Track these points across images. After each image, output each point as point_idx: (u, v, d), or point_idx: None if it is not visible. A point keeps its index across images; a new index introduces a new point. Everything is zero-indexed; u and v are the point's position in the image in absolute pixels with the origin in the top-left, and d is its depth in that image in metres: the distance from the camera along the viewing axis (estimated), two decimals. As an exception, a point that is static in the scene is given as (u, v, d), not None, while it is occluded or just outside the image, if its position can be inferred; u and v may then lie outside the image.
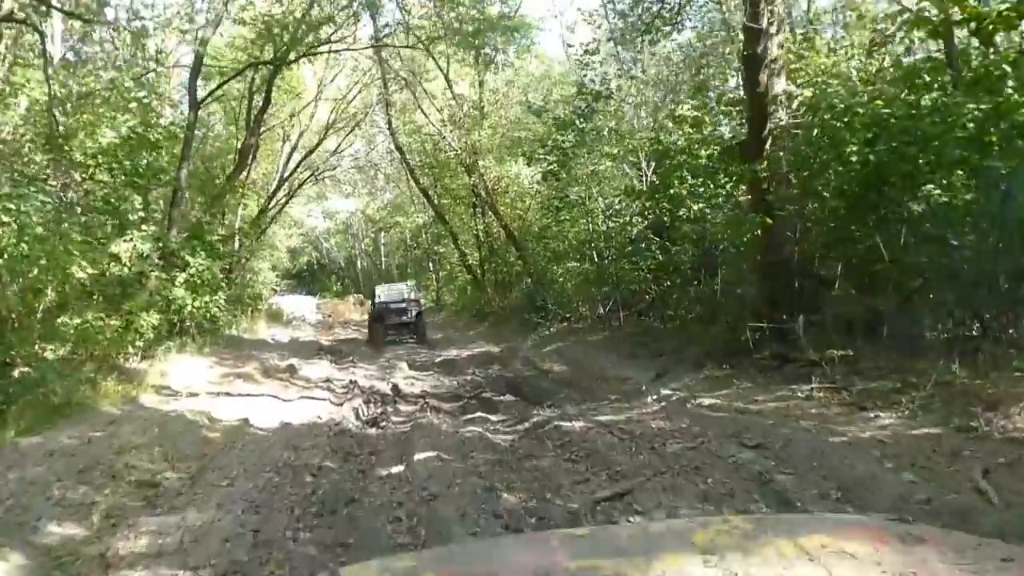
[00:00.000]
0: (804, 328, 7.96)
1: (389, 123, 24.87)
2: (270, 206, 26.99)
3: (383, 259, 54.08)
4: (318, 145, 26.88)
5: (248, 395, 10.50)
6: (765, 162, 8.14)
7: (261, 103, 19.17)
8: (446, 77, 21.87)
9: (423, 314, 20.25)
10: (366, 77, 25.75)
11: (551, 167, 13.81)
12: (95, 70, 15.85)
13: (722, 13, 13.90)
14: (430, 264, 38.12)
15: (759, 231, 7.92)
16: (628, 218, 13.87)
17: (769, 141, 8.30)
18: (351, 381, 11.58)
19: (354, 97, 26.61)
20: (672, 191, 11.06)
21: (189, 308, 13.53)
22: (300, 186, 28.07)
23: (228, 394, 10.53)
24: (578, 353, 13.17)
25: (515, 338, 17.46)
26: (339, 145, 27.80)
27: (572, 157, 13.41)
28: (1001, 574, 1.29)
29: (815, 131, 7.77)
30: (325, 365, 13.62)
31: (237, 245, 22.68)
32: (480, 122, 20.99)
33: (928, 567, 1.31)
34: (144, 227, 12.74)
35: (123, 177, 12.50)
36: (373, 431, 7.92)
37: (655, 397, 7.92)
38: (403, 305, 19.62)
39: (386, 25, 17.97)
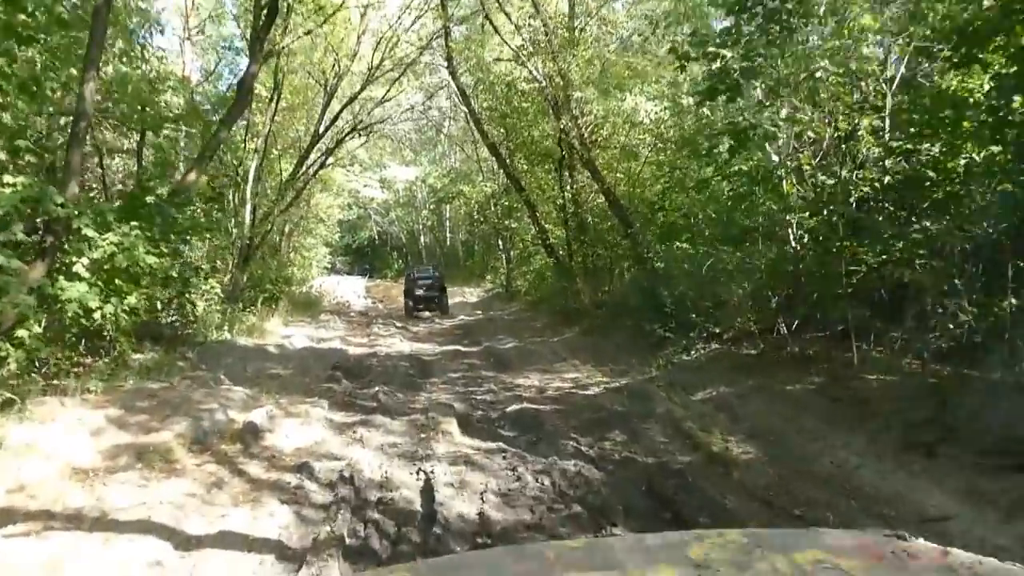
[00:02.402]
0: None
1: (449, 59, 19.07)
2: (304, 169, 21.65)
3: (447, 235, 48.76)
4: (361, 90, 21.32)
5: (112, 519, 4.99)
6: None
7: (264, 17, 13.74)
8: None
9: (445, 289, 23.52)
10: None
11: (719, 80, 7.62)
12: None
13: None
14: (499, 242, 32.33)
15: None
16: (850, 173, 7.68)
17: None
18: (344, 474, 5.89)
19: (407, 28, 20.90)
20: None
21: (102, 313, 8.12)
22: (339, 142, 22.62)
23: (76, 517, 5.04)
24: (769, 414, 7.18)
25: (628, 360, 11.51)
26: (387, 91, 22.13)
27: (767, 57, 7.27)
28: None
29: None
30: (321, 417, 7.95)
31: (249, 215, 17.38)
32: (574, 42, 14.96)
33: None
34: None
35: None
36: None
37: None
38: (429, 282, 22.83)
39: None
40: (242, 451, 6.66)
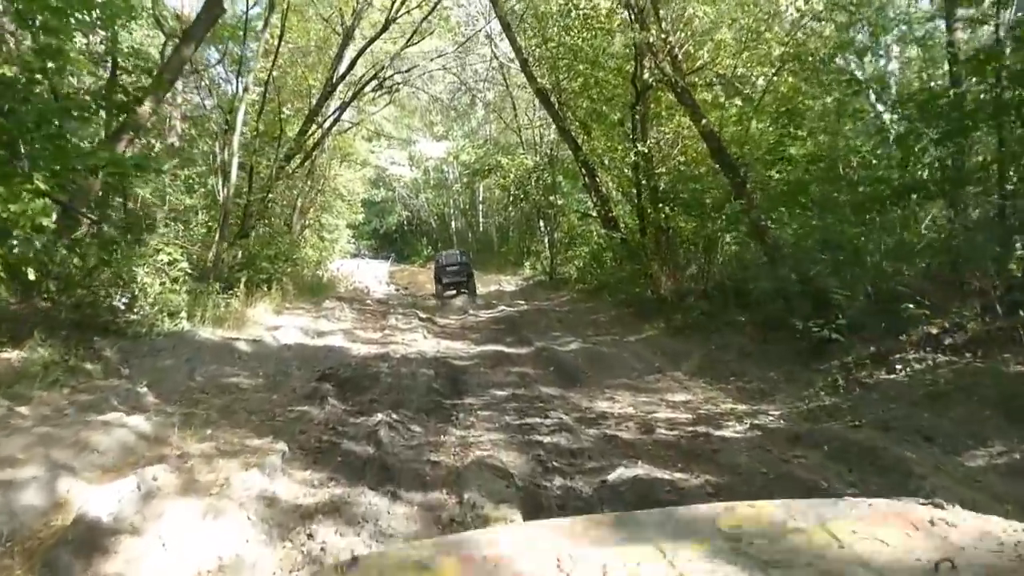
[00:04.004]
0: None
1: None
2: (316, 127, 17.97)
3: (480, 219, 44.93)
4: (384, 29, 17.51)
5: None
6: None
7: None
8: None
9: (473, 274, 22.87)
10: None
11: None
12: None
13: None
14: (540, 222, 28.48)
15: None
16: None
17: None
18: None
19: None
20: None
21: None
22: (357, 93, 18.82)
23: None
24: None
25: (762, 373, 7.62)
26: (417, 28, 18.26)
27: None
28: None
29: None
30: (256, 492, 4.11)
31: (235, 173, 13.72)
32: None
33: (965, 555, 1.21)
34: None
35: None
36: None
37: None
38: (457, 267, 22.57)
39: None
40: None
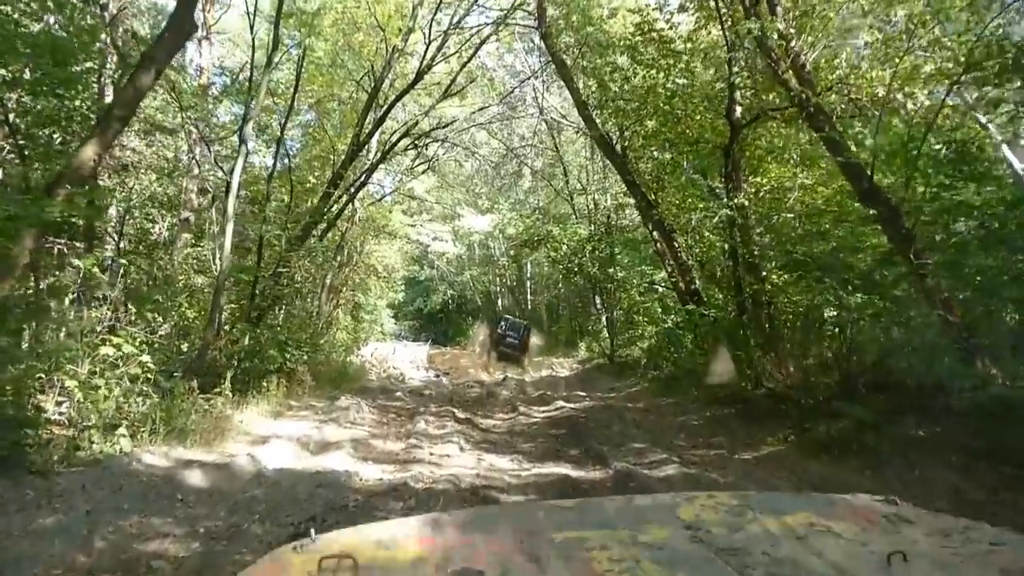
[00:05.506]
0: None
1: (540, 14, 12.77)
2: (340, 193, 15.60)
3: (529, 296, 42.37)
4: (416, 81, 15.21)
5: None
6: None
7: None
8: None
9: (528, 342, 26.36)
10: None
11: None
12: None
13: None
14: (596, 299, 25.69)
15: None
16: None
17: None
18: None
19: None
20: None
21: None
22: (386, 155, 16.42)
23: None
24: None
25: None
26: (450, 83, 15.96)
27: None
28: (990, 557, 1.21)
29: None
30: None
31: (229, 240, 11.26)
32: None
33: (916, 547, 1.26)
34: None
35: None
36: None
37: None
38: (515, 334, 26.36)
39: None
40: None
